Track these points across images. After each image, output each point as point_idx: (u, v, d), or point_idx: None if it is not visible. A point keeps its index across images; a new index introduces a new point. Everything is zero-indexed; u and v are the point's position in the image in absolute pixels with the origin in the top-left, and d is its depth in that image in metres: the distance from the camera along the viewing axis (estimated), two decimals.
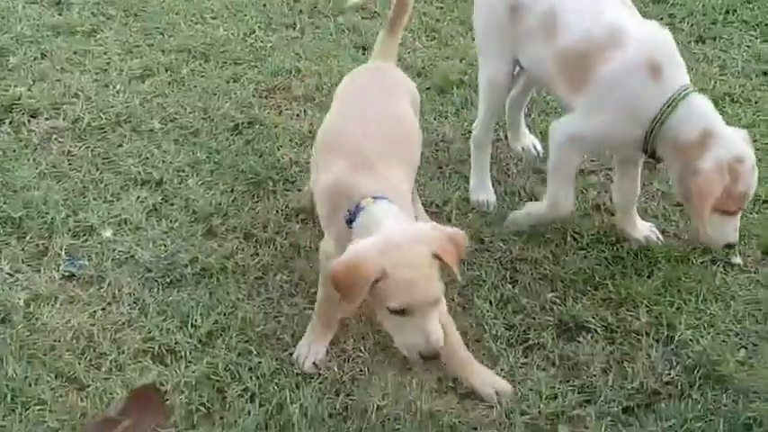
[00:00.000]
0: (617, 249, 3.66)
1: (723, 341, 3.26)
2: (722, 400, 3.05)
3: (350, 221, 2.94)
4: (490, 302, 3.41)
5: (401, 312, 2.77)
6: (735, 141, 3.35)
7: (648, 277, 3.51)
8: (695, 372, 3.14)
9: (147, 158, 4.06)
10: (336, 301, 3.07)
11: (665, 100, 3.34)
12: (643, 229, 3.71)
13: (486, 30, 3.76)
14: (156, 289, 3.47)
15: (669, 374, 3.15)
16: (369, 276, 2.73)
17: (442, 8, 5.19)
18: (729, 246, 3.48)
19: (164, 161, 4.04)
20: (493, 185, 3.92)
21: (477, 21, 3.82)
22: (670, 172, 3.52)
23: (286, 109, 4.39)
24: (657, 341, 3.26)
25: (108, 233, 3.70)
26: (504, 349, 3.25)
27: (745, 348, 3.25)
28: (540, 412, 3.05)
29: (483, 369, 3.14)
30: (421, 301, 2.76)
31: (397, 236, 2.80)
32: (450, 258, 2.80)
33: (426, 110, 4.34)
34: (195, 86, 4.51)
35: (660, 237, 3.70)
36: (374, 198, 2.92)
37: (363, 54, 4.71)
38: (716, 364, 3.16)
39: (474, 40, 3.92)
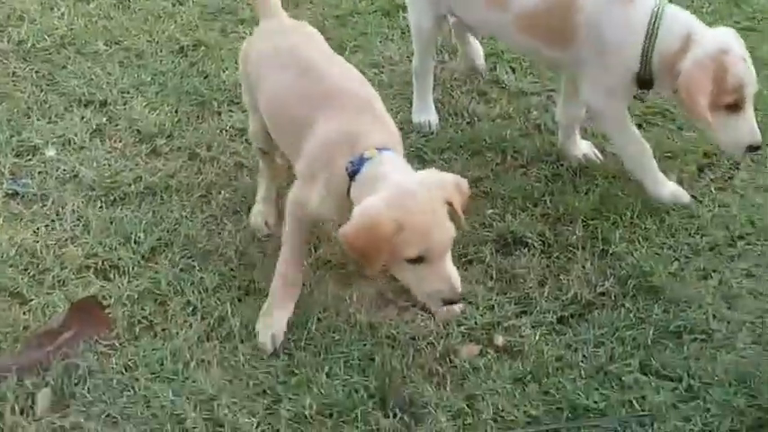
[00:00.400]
0: (556, 168, 3.72)
1: (656, 254, 3.34)
2: (653, 310, 3.13)
3: (353, 173, 2.89)
4: None
5: (419, 261, 2.77)
6: (715, 37, 3.37)
7: (586, 194, 3.57)
8: (628, 283, 3.22)
9: (92, 80, 4.08)
10: (301, 257, 3.09)
11: (648, 18, 3.37)
12: (583, 148, 3.76)
13: None
14: (99, 207, 3.51)
15: (603, 285, 3.22)
16: (387, 235, 2.71)
17: None
18: (752, 148, 3.43)
19: (108, 83, 4.06)
20: (436, 107, 3.97)
21: None
22: (674, 98, 3.54)
23: (231, 32, 4.41)
24: (593, 254, 3.33)
25: (51, 152, 3.72)
26: None
27: (678, 261, 3.32)
28: (476, 323, 3.12)
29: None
30: (438, 245, 2.77)
31: (410, 183, 2.81)
32: (458, 205, 2.83)
33: (372, 32, 4.36)
34: (140, 9, 4.53)
35: (599, 155, 3.76)
36: (378, 149, 2.89)
37: None
38: (648, 276, 3.24)
39: None
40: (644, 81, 3.44)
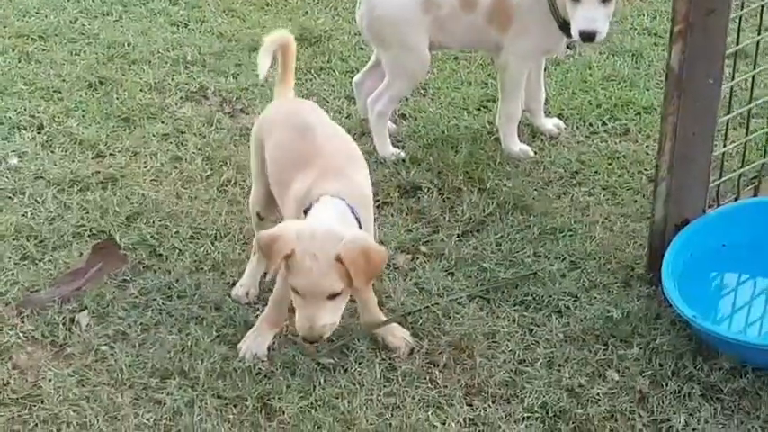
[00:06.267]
0: (437, 133, 4.68)
1: (522, 183, 4.34)
2: (530, 219, 4.11)
3: (306, 211, 3.30)
4: None
5: (297, 293, 3.18)
6: None
7: (459, 151, 4.52)
8: (507, 204, 4.18)
9: (23, 111, 4.77)
10: (287, 300, 3.39)
11: None
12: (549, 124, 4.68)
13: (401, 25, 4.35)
14: (73, 194, 4.22)
15: (489, 208, 4.17)
16: (281, 251, 3.11)
17: None
18: (583, 35, 4.09)
19: (38, 113, 4.76)
20: None
21: (385, 22, 4.35)
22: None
23: (129, 70, 5.18)
24: (475, 190, 4.26)
25: (14, 161, 4.43)
26: None
27: (538, 188, 4.32)
28: (402, 240, 4.00)
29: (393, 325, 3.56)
30: (311, 291, 3.12)
31: (317, 228, 3.16)
32: (354, 269, 3.10)
33: None
34: (43, 60, 5.23)
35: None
36: (333, 197, 3.28)
37: (178, 29, 5.59)
38: (521, 198, 4.20)
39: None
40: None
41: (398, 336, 3.52)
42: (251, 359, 3.44)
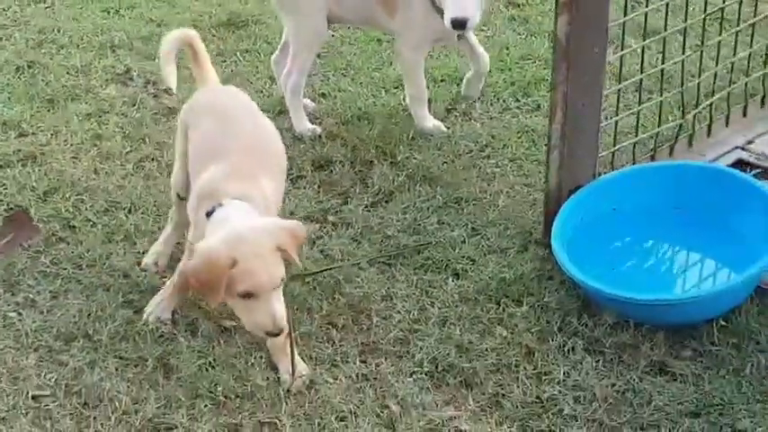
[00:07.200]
0: (353, 111, 4.84)
1: (432, 156, 4.48)
2: (437, 190, 4.23)
3: (209, 214, 3.30)
4: None
5: (248, 296, 3.16)
6: None
7: (372, 128, 4.66)
8: (415, 175, 4.32)
9: None
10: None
11: None
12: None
13: None
14: None
15: (398, 179, 4.29)
16: (224, 269, 3.09)
17: None
18: (455, 23, 4.18)
19: None
20: None
21: None
22: None
23: (57, 54, 5.30)
24: (386, 163, 4.40)
25: None
26: None
27: (447, 161, 4.47)
28: (311, 210, 4.14)
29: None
30: (264, 284, 3.14)
31: (244, 228, 3.18)
32: (291, 250, 3.20)
33: None
34: None
35: None
36: (235, 199, 3.30)
37: (108, 15, 5.72)
38: (429, 169, 4.35)
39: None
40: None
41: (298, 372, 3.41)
42: (154, 322, 3.55)
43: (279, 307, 3.17)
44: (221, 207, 3.27)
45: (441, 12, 4.32)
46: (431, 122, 4.70)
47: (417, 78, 4.63)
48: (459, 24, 4.23)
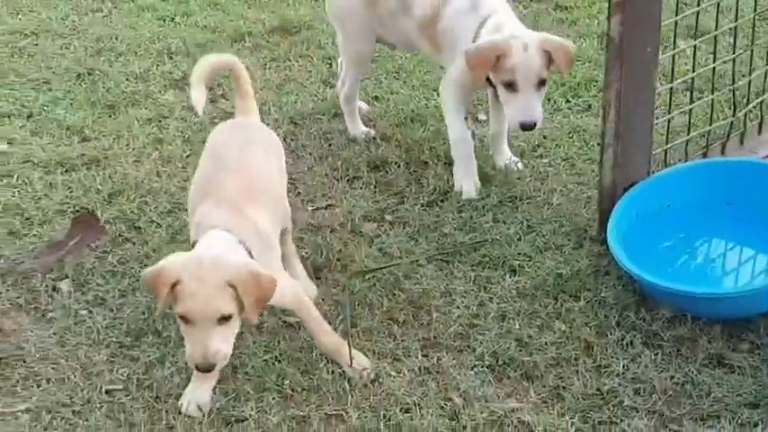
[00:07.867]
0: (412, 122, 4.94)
1: (490, 156, 4.57)
2: (492, 189, 4.35)
3: (194, 244, 3.31)
4: (315, 158, 4.62)
5: (185, 320, 3.09)
6: (515, 30, 4.12)
7: (424, 130, 4.79)
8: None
9: (14, 101, 5.02)
10: None
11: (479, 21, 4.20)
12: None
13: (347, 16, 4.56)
14: (57, 174, 4.47)
15: (452, 180, 4.41)
16: (167, 281, 3.06)
17: None
18: (524, 126, 4.10)
19: (28, 102, 5.01)
20: None
21: (336, 14, 4.61)
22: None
23: (115, 61, 5.43)
24: (441, 162, 4.51)
25: (3, 146, 4.67)
26: (333, 182, 4.44)
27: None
28: (369, 209, 4.23)
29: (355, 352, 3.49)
30: (198, 314, 3.06)
31: (203, 255, 3.15)
32: (244, 291, 3.06)
33: None
34: (34, 54, 5.49)
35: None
36: (221, 229, 3.26)
37: (164, 23, 5.85)
38: (483, 170, 4.47)
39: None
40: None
41: (359, 364, 3.47)
42: (195, 412, 3.36)
43: (215, 341, 3.08)
44: (204, 236, 3.27)
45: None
46: (467, 185, 4.37)
47: (454, 123, 4.39)
48: (529, 128, 4.13)
